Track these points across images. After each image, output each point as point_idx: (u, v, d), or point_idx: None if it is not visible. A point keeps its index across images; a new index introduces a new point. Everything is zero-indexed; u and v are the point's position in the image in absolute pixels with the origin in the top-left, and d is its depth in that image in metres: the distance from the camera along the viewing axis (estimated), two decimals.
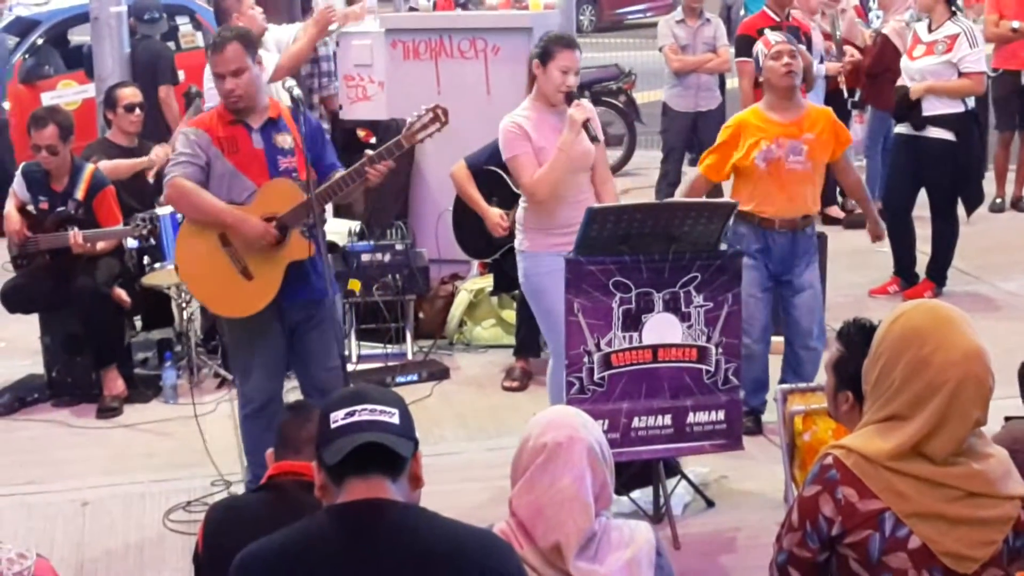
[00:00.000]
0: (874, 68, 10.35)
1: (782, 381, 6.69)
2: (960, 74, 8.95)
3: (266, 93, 6.12)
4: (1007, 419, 4.70)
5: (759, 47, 7.04)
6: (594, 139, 6.35)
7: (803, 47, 9.60)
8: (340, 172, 6.01)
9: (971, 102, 9.08)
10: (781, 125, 6.81)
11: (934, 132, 9.03)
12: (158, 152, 8.48)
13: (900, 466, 3.19)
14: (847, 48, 10.57)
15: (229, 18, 8.63)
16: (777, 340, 7.12)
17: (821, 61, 10.06)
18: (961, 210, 9.50)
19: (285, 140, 5.94)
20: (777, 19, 9.71)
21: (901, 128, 9.27)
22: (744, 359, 6.30)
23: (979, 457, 3.24)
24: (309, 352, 6.04)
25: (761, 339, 6.98)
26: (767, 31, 9.64)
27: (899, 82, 9.29)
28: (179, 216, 7.84)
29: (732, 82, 11.82)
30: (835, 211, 11.41)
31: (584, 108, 6.34)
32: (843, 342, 3.85)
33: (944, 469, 3.20)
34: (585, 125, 6.29)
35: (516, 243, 6.65)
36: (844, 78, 11.00)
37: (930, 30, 9.07)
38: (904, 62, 9.27)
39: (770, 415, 6.84)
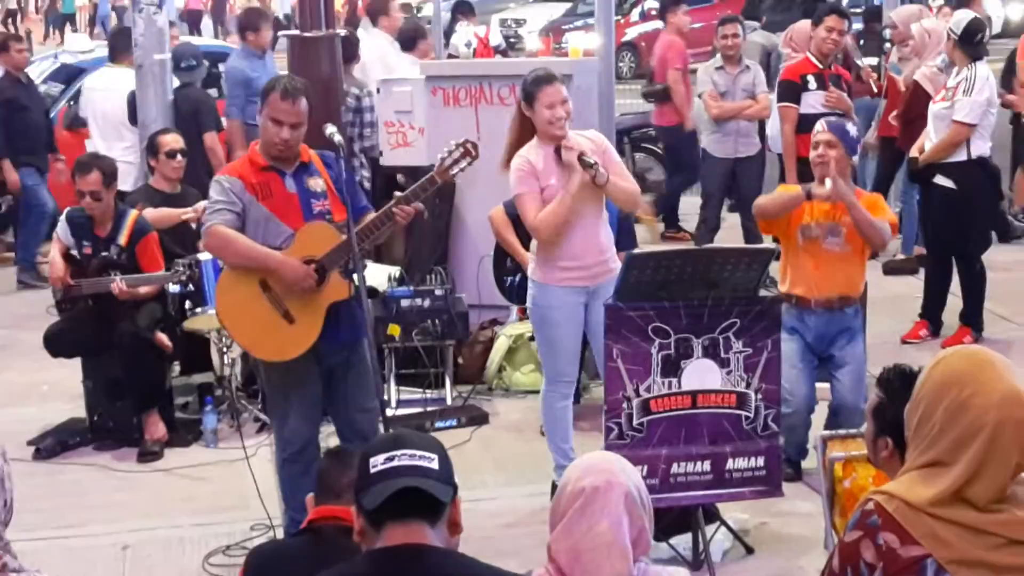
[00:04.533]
0: (908, 114, 10.34)
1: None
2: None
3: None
4: None
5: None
6: (592, 165, 6.40)
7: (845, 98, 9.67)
8: (372, 214, 6.08)
9: (979, 150, 8.99)
10: (825, 206, 6.83)
11: (938, 180, 9.03)
12: (200, 207, 8.52)
13: (942, 512, 3.17)
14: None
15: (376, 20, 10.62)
16: (822, 386, 7.07)
17: None
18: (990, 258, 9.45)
19: (317, 183, 6.02)
20: (820, 66, 9.71)
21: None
22: (785, 429, 6.28)
23: (1023, 504, 3.22)
24: (346, 395, 6.09)
25: (804, 410, 6.89)
26: (809, 77, 9.70)
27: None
28: (220, 262, 7.94)
29: None
30: None
31: (571, 148, 6.46)
32: (883, 388, 3.83)
33: (987, 516, 3.18)
34: (581, 160, 6.39)
35: (529, 270, 6.81)
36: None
37: (955, 76, 9.08)
38: (930, 107, 9.28)
39: (810, 462, 6.80)
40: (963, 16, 9.18)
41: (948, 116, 8.90)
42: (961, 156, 8.93)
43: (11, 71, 12.03)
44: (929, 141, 9.10)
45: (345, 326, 5.94)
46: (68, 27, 39.91)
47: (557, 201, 6.46)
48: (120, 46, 11.42)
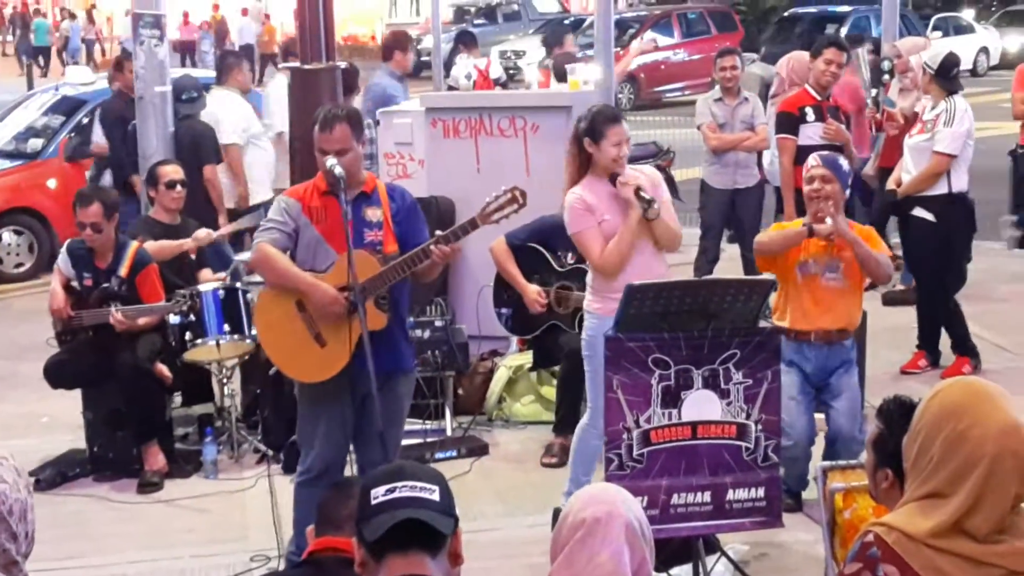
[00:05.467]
0: None
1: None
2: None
3: (364, 168, 6.26)
4: None
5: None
6: (649, 202, 6.44)
7: (843, 127, 9.69)
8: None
9: (959, 185, 9.03)
10: (822, 242, 6.86)
11: (917, 211, 9.09)
12: (199, 235, 8.55)
13: (942, 544, 3.18)
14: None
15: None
16: (819, 417, 7.09)
17: None
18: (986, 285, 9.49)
19: (375, 213, 6.05)
20: (818, 98, 9.73)
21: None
22: (786, 461, 6.27)
23: (1022, 535, 3.22)
24: (374, 425, 6.05)
25: (804, 442, 6.88)
26: (807, 109, 9.72)
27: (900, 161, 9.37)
28: (220, 293, 7.96)
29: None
30: None
31: (628, 183, 6.47)
32: (883, 420, 3.85)
33: (986, 547, 3.18)
34: (638, 195, 6.42)
35: (585, 303, 6.79)
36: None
37: (932, 109, 9.13)
38: (906, 140, 9.34)
39: (810, 493, 6.80)
40: (939, 51, 9.28)
41: (928, 148, 8.98)
42: (942, 189, 9.00)
43: (124, 90, 12.00)
44: (907, 173, 9.16)
45: (382, 356, 5.90)
46: (41, 59, 40.28)
47: (617, 239, 6.49)
48: (226, 68, 11.81)
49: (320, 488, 5.86)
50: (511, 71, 25.44)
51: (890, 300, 11.00)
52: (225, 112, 11.07)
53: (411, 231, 6.10)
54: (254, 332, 7.83)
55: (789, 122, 9.77)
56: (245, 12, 42.10)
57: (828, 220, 6.75)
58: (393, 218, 6.05)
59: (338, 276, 5.92)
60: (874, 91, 11.71)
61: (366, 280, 5.85)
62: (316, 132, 6.03)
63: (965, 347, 9.34)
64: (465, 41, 15.35)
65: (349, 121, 6.02)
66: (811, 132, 9.63)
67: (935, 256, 9.15)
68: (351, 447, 6.25)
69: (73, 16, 45.16)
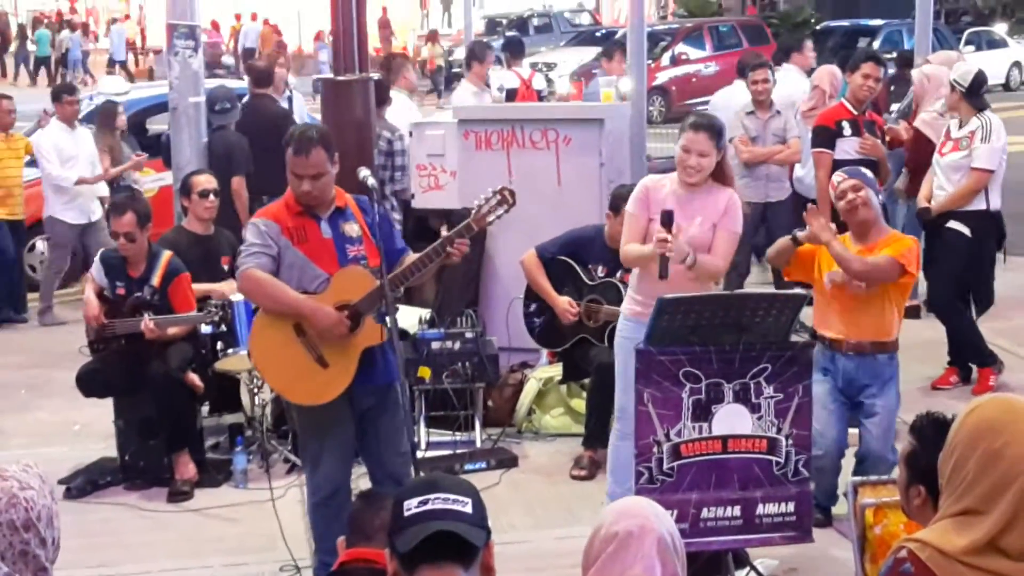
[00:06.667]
0: (911, 163, 10.36)
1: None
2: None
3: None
4: None
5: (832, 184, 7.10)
6: (664, 264, 6.29)
7: (877, 141, 9.66)
8: (412, 255, 6.09)
9: (995, 203, 9.04)
10: (853, 250, 6.84)
11: (952, 223, 9.08)
12: (223, 288, 8.47)
13: (976, 561, 3.17)
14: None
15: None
16: (852, 432, 7.06)
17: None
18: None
19: (352, 228, 6.02)
20: (854, 112, 9.69)
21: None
22: (814, 472, 6.25)
23: None
24: (380, 438, 6.08)
25: (834, 453, 6.84)
26: (844, 123, 9.68)
27: (926, 177, 9.37)
28: (252, 303, 7.97)
29: None
30: None
31: (663, 244, 6.27)
32: (916, 436, 3.83)
33: (1021, 565, 3.17)
34: (661, 257, 6.29)
35: (623, 307, 6.84)
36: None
37: (960, 127, 9.09)
38: (935, 158, 9.28)
39: (840, 508, 6.78)
40: (968, 68, 9.25)
41: (964, 166, 8.95)
42: (980, 205, 9.00)
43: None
44: (940, 190, 9.11)
45: (379, 369, 5.94)
46: (43, 70, 40.46)
47: (637, 253, 6.52)
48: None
49: (335, 507, 5.89)
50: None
51: (912, 314, 10.92)
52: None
53: (388, 241, 6.09)
54: None
55: (826, 136, 9.74)
56: (255, 17, 42.67)
57: (807, 227, 6.79)
58: (371, 230, 6.01)
59: (335, 294, 5.90)
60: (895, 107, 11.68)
61: (367, 295, 5.85)
62: (290, 155, 5.94)
63: (983, 358, 9.34)
64: (511, 51, 15.31)
65: (323, 144, 5.93)
66: (847, 146, 9.60)
67: (963, 270, 9.13)
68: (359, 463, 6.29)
69: (73, 27, 45.32)
